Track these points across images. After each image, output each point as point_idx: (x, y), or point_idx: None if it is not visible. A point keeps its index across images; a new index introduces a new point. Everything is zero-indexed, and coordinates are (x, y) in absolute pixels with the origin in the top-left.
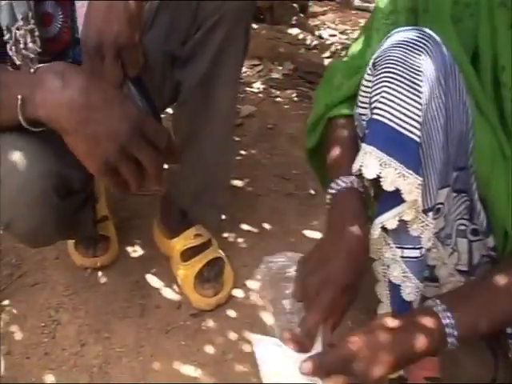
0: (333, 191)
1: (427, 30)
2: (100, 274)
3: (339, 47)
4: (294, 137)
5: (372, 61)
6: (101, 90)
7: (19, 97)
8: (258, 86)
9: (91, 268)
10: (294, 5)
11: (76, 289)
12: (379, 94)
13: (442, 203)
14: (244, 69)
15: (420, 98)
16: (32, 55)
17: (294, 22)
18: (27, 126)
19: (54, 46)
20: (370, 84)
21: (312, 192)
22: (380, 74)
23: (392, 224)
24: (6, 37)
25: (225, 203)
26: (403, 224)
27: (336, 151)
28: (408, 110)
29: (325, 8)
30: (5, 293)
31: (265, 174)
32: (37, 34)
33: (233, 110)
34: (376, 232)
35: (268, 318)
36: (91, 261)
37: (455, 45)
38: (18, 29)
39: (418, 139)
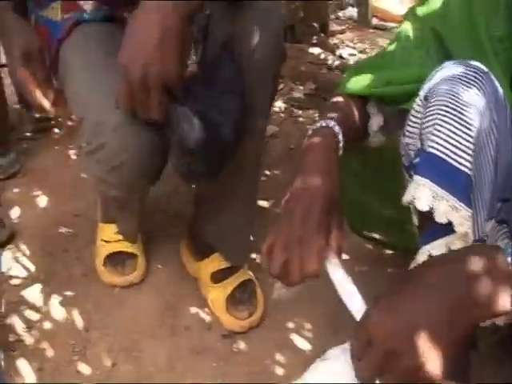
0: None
1: (476, 64)
2: (128, 292)
3: None
4: None
5: (423, 93)
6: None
7: None
8: (279, 105)
9: (119, 286)
10: (315, 24)
11: (105, 307)
12: (432, 125)
13: (486, 235)
14: None
15: (470, 130)
16: None
17: (314, 41)
18: None
19: None
20: (419, 115)
21: None
22: (432, 106)
23: (439, 252)
24: None
25: (249, 250)
26: None
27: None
28: (459, 142)
29: (343, 27)
30: (33, 309)
31: None
32: None
33: (258, 165)
34: (422, 259)
35: (298, 339)
36: (120, 279)
37: (499, 77)
38: None
39: (469, 172)
